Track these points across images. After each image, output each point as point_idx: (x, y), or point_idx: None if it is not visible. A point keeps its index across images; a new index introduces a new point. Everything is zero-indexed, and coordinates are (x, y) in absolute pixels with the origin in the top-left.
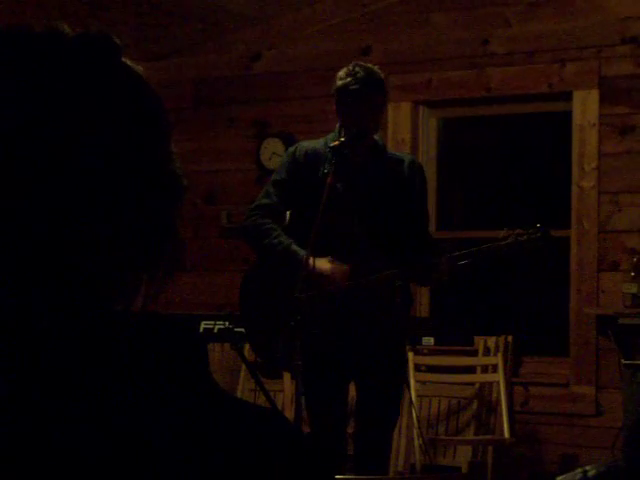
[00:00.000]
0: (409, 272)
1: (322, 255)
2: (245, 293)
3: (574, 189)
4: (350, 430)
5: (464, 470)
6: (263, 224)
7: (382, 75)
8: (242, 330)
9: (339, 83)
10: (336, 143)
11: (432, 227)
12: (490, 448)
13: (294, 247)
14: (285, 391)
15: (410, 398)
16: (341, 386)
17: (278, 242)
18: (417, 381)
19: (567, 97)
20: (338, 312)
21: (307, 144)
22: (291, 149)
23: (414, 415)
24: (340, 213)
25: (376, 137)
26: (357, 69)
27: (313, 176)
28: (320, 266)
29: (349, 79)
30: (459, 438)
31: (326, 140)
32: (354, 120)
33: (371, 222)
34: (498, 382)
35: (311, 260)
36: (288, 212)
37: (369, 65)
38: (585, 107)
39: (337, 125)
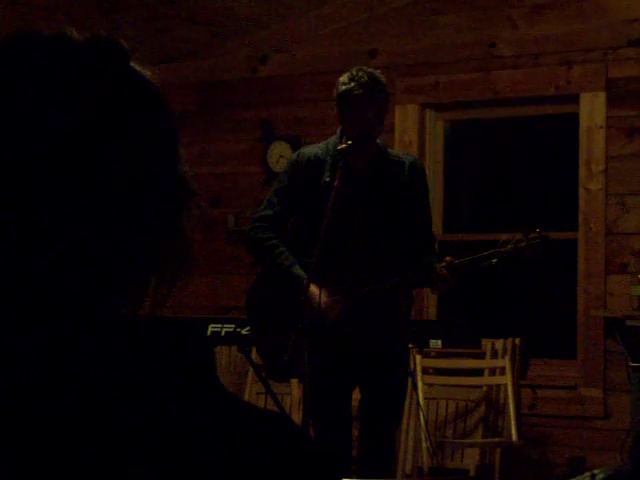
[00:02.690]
0: (411, 280)
1: (324, 262)
2: (252, 299)
3: (581, 191)
4: (355, 433)
5: (472, 473)
6: (265, 239)
7: (385, 79)
8: (250, 333)
9: (342, 88)
10: (343, 146)
11: (439, 229)
12: (498, 451)
13: (294, 270)
14: (293, 394)
15: (418, 401)
16: (346, 390)
17: (280, 263)
18: (425, 384)
19: (574, 99)
20: (344, 318)
21: (309, 151)
22: (293, 157)
23: (422, 418)
24: (342, 218)
25: (378, 140)
26: (360, 74)
27: (315, 183)
28: (315, 299)
29: (352, 84)
30: (467, 441)
31: (327, 145)
32: (358, 125)
33: (373, 226)
34: (506, 385)
35: (311, 289)
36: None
37: (371, 70)
38: (592, 109)
39: (338, 129)
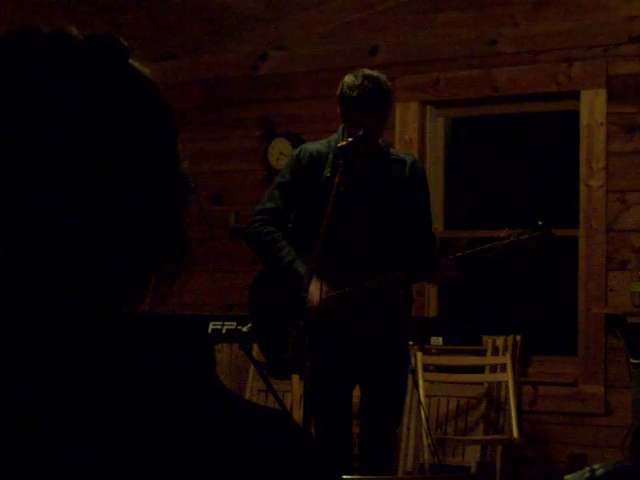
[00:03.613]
0: (411, 274)
1: (324, 258)
2: (254, 295)
3: (582, 188)
4: (356, 430)
5: (473, 470)
6: (267, 233)
7: (389, 83)
8: (250, 331)
9: (347, 92)
10: (344, 143)
11: (439, 226)
12: (499, 448)
13: (295, 266)
14: (294, 391)
15: (419, 398)
16: (347, 388)
17: (280, 257)
18: (426, 381)
19: (574, 96)
20: (343, 315)
21: (311, 146)
22: (295, 151)
23: (423, 415)
24: (342, 215)
25: (379, 140)
26: (366, 82)
27: (316, 179)
28: (312, 297)
29: (356, 91)
30: (468, 438)
31: (329, 142)
32: (359, 128)
33: (373, 225)
34: (507, 382)
35: (311, 287)
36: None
37: (376, 74)
38: (592, 106)
39: (340, 127)
